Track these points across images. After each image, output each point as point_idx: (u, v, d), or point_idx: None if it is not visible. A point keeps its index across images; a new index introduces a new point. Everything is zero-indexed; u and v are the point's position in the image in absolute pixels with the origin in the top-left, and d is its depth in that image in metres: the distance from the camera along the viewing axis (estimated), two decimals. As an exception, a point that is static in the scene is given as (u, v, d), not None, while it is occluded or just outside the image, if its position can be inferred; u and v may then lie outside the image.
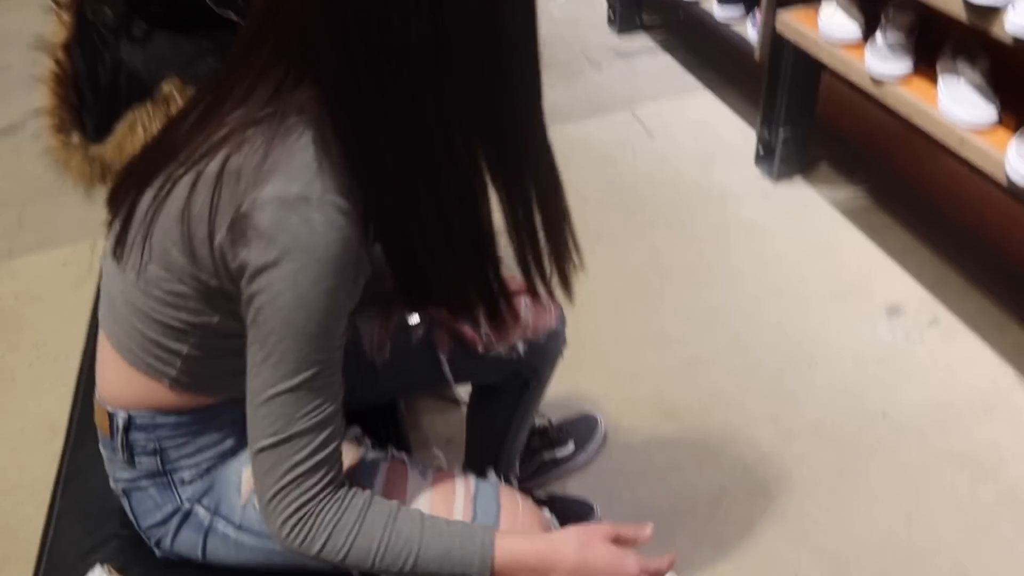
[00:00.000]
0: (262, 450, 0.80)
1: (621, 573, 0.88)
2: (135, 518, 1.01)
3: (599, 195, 2.46)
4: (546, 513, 1.00)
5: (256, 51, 0.78)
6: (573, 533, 0.90)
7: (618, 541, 0.91)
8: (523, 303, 1.21)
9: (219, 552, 0.99)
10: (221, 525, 0.98)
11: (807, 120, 2.38)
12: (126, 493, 1.01)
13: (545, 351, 1.25)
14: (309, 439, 0.79)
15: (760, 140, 2.46)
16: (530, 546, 0.87)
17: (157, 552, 1.02)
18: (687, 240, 2.28)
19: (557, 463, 1.65)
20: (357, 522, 0.82)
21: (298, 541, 0.81)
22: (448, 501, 0.96)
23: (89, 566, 0.99)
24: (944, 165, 2.18)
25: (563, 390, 1.84)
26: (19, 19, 3.33)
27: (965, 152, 1.69)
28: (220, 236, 0.76)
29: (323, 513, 0.81)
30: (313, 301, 0.75)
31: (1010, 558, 1.51)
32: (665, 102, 2.89)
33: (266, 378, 0.78)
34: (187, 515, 0.98)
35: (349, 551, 0.82)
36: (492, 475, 1.01)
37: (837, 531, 1.56)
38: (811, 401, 1.81)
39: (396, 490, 0.96)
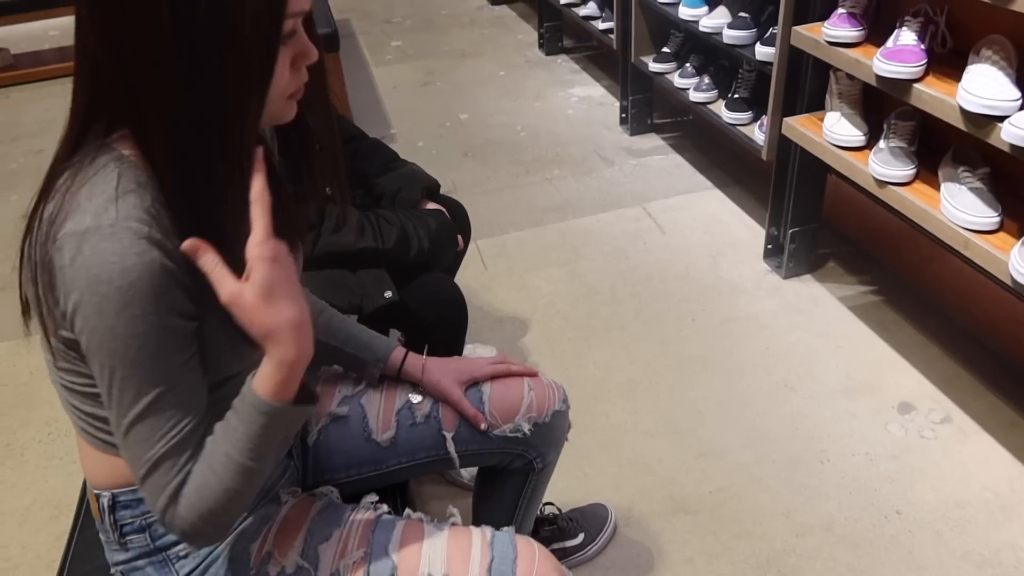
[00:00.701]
0: (141, 480, 0.82)
1: None
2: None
3: (611, 287, 2.51)
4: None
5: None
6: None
7: None
8: (526, 385, 1.23)
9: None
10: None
11: (814, 219, 2.44)
12: (124, 575, 1.01)
13: (550, 432, 1.26)
14: (175, 459, 0.81)
15: (768, 238, 2.52)
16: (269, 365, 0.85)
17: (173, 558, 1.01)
18: (698, 332, 2.31)
19: (567, 554, 1.62)
20: (206, 463, 0.83)
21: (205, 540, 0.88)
22: (465, 549, 0.99)
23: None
24: (950, 264, 2.22)
25: (573, 479, 1.84)
26: (55, 107, 3.48)
27: (969, 253, 1.73)
28: (43, 285, 0.78)
29: (189, 470, 0.83)
30: (125, 330, 0.75)
31: (1034, 666, 1.46)
32: (676, 199, 2.98)
33: (115, 412, 0.80)
34: None
35: (212, 510, 0.83)
36: (508, 528, 1.02)
37: (854, 633, 1.52)
38: (824, 496, 1.79)
39: (413, 539, 1.00)
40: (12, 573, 1.69)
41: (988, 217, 1.70)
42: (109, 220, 0.74)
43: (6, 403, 2.19)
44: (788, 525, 1.73)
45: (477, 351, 2.14)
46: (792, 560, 1.66)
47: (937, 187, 1.86)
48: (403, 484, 1.29)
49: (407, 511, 1.07)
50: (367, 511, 1.06)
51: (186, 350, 0.82)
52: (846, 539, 1.70)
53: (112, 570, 1.02)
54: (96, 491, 0.99)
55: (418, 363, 1.22)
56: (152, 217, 0.77)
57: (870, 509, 1.76)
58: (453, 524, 1.05)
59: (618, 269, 2.60)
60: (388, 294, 1.52)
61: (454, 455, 1.21)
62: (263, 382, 0.82)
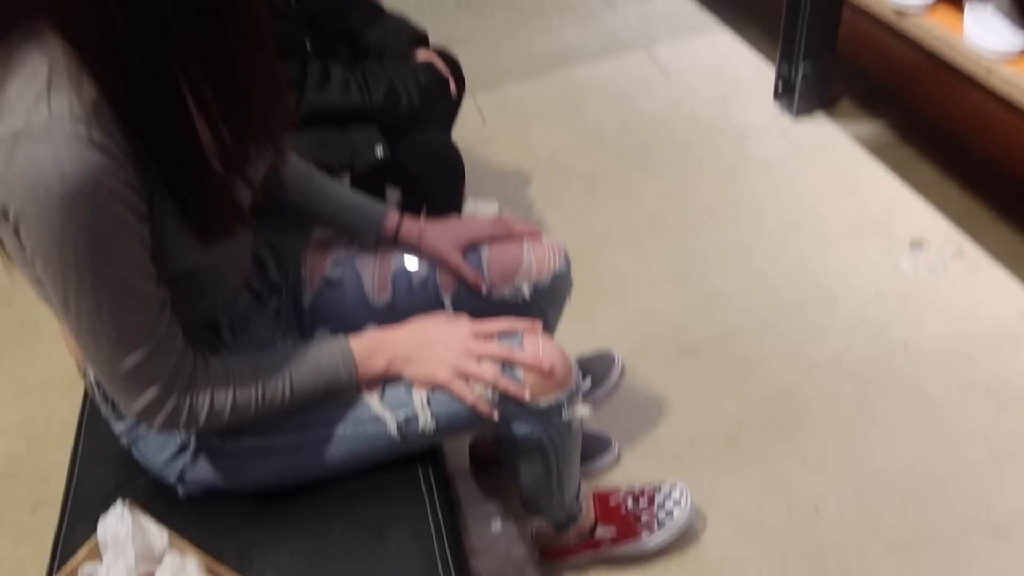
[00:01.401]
0: (110, 377, 0.82)
1: (455, 329, 0.99)
2: (146, 463, 1.03)
3: (615, 135, 2.43)
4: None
5: None
6: (412, 320, 1.03)
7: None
8: (526, 246, 1.20)
9: (246, 470, 1.01)
10: (241, 442, 0.99)
11: (828, 54, 2.32)
12: (132, 443, 1.03)
13: (551, 294, 1.24)
14: (144, 352, 0.80)
15: (779, 76, 2.40)
16: (375, 332, 1.00)
17: (180, 491, 1.04)
18: (705, 178, 2.25)
19: (575, 399, 1.65)
20: (228, 381, 0.88)
21: (184, 426, 0.87)
22: None
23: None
24: (969, 97, 2.12)
25: (580, 329, 1.84)
26: None
27: (992, 82, 1.64)
28: None
29: (193, 394, 0.86)
30: (74, 240, 0.71)
31: (1033, 485, 1.50)
32: (681, 42, 2.83)
33: (75, 322, 0.78)
34: (197, 449, 1.00)
35: (233, 406, 0.89)
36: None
37: (857, 461, 1.55)
38: (831, 335, 1.80)
39: None
40: (40, 442, 1.75)
41: (1014, 38, 1.60)
42: (41, 120, 0.68)
43: (15, 283, 2.20)
44: (794, 363, 1.74)
45: (479, 206, 2.10)
46: (798, 396, 1.68)
47: (958, 13, 1.74)
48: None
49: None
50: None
51: (141, 255, 0.79)
52: (852, 374, 1.71)
53: (119, 439, 1.04)
54: (84, 366, 0.99)
55: (415, 228, 1.18)
56: (90, 113, 0.70)
57: (877, 344, 1.77)
58: None
59: (622, 117, 2.50)
60: (379, 151, 1.46)
61: None
62: (361, 349, 0.96)
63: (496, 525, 1.51)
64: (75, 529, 1.06)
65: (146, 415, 0.84)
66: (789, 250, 2.00)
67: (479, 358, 0.97)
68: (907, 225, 2.04)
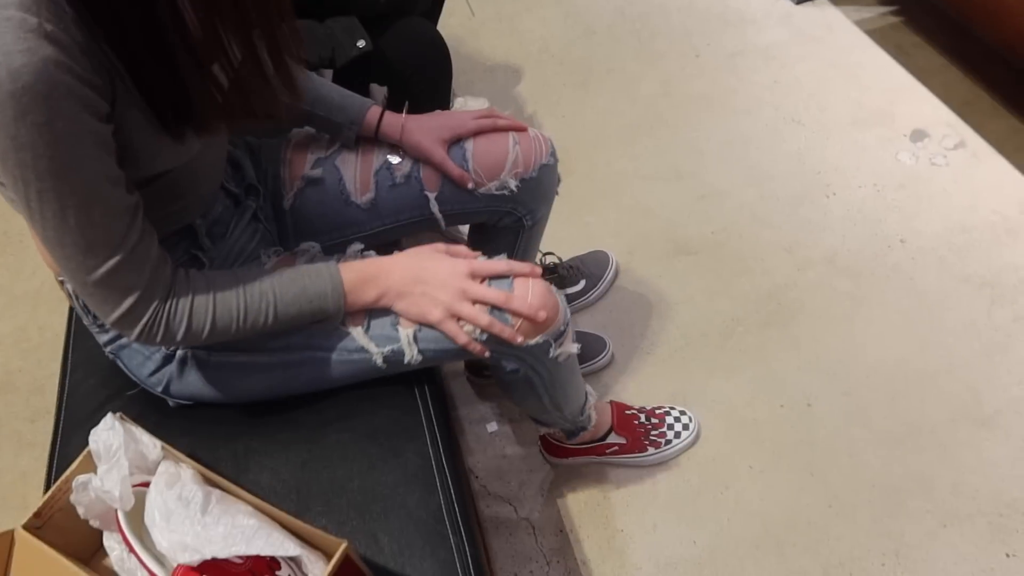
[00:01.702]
0: (82, 286, 0.78)
1: (451, 268, 0.95)
2: (132, 374, 1.02)
3: (608, 25, 2.32)
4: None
5: None
6: (407, 250, 0.99)
7: (452, 254, 0.98)
8: (511, 139, 1.15)
9: (233, 383, 1.00)
10: (228, 356, 0.98)
11: (833, -69, 2.19)
12: (115, 354, 1.01)
13: (538, 187, 1.20)
14: (116, 260, 0.77)
15: (781, -43, 2.28)
16: (368, 261, 0.96)
17: (170, 402, 1.03)
18: (703, 68, 2.17)
19: (569, 300, 1.64)
20: (209, 296, 0.85)
21: (159, 339, 0.84)
22: None
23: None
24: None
25: (573, 228, 1.81)
26: None
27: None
28: None
29: (172, 305, 0.83)
30: (30, 139, 0.67)
31: (1022, 376, 1.51)
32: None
33: (40, 228, 0.74)
34: (184, 359, 0.98)
35: (213, 323, 0.85)
36: (501, 255, 1.02)
37: (849, 357, 1.56)
38: (828, 230, 1.77)
39: None
40: (34, 354, 1.75)
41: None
42: None
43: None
44: (790, 260, 1.73)
45: (468, 104, 2.03)
46: (793, 293, 1.67)
47: None
48: (391, 245, 1.26)
49: (396, 252, 1.04)
50: (356, 258, 1.04)
51: (105, 157, 0.74)
52: (848, 270, 1.70)
53: (104, 350, 1.02)
54: (60, 278, 0.97)
55: (396, 123, 1.13)
56: (41, 1, 0.65)
57: (873, 240, 1.75)
58: None
59: (616, 5, 2.39)
60: (361, 43, 1.39)
61: (439, 215, 1.16)
62: (352, 278, 0.92)
63: (491, 426, 1.53)
64: (70, 440, 1.06)
65: (122, 325, 0.82)
66: (787, 143, 1.95)
67: (473, 300, 0.94)
68: (909, 115, 1.98)
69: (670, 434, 1.43)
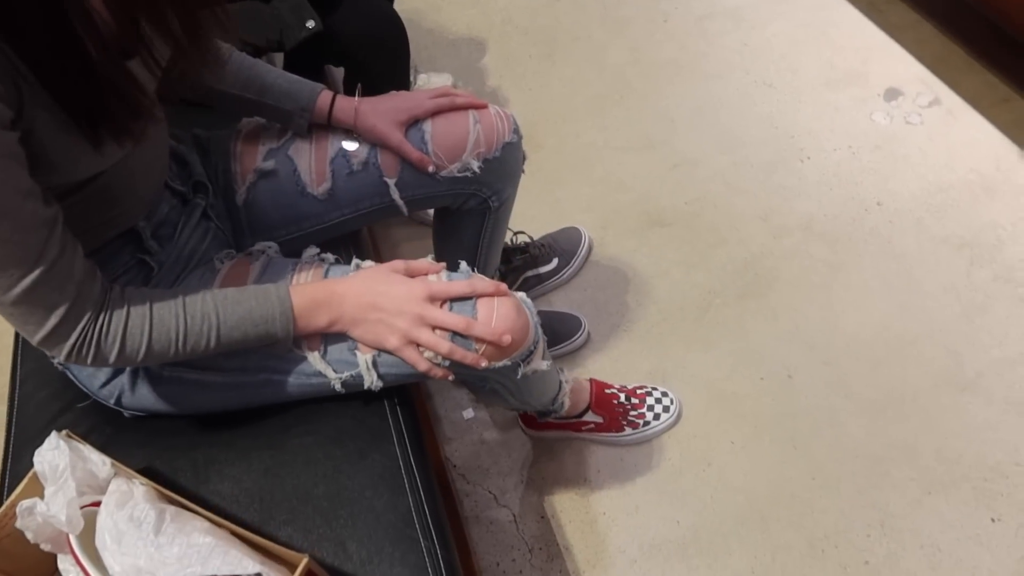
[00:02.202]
0: (1, 308, 0.73)
1: (408, 293, 0.88)
2: (82, 386, 0.97)
3: (573, -8, 2.26)
4: (521, 295, 0.96)
5: None
6: (362, 271, 0.93)
7: (412, 273, 0.92)
8: (471, 118, 1.10)
9: (188, 399, 0.96)
10: (182, 372, 0.93)
11: None
12: (64, 365, 0.97)
13: (502, 167, 1.14)
14: (34, 278, 0.71)
15: (748, -86, 2.22)
16: (321, 285, 0.90)
17: (125, 413, 0.99)
18: (671, 33, 2.11)
19: (541, 279, 1.60)
20: (145, 319, 0.80)
21: (89, 360, 0.78)
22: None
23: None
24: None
25: (544, 205, 1.77)
26: None
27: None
28: None
29: (104, 324, 0.78)
30: None
31: (1003, 338, 1.49)
32: None
33: None
34: (135, 372, 0.93)
35: (148, 347, 0.80)
36: (463, 264, 0.96)
37: (829, 325, 1.54)
38: (803, 196, 1.74)
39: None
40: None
41: None
42: None
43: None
44: (765, 228, 1.69)
45: (432, 80, 1.96)
46: (769, 262, 1.64)
47: None
48: (354, 234, 1.21)
49: (355, 261, 0.99)
50: (313, 264, 0.99)
51: (12, 167, 0.68)
52: (824, 236, 1.67)
53: (53, 361, 0.97)
54: None
55: (349, 107, 1.07)
56: None
57: (850, 204, 1.71)
58: None
59: (581, -29, 2.32)
60: (310, 24, 1.32)
61: (400, 202, 1.11)
62: (303, 303, 0.86)
63: (468, 412, 1.49)
64: (22, 458, 1.01)
65: (48, 345, 0.76)
66: (759, 107, 1.91)
67: (432, 327, 0.88)
68: (882, 74, 1.94)
69: (649, 415, 1.41)
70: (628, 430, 1.40)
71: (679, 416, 1.44)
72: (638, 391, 1.43)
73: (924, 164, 1.76)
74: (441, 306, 0.88)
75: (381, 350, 0.90)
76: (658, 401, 1.42)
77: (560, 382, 1.24)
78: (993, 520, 1.30)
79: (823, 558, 1.28)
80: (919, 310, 1.54)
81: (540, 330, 0.96)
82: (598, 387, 1.39)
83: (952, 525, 1.30)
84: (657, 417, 1.41)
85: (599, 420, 1.38)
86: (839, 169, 1.77)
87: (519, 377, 0.96)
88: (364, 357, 0.91)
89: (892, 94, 1.89)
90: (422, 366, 0.88)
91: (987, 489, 1.33)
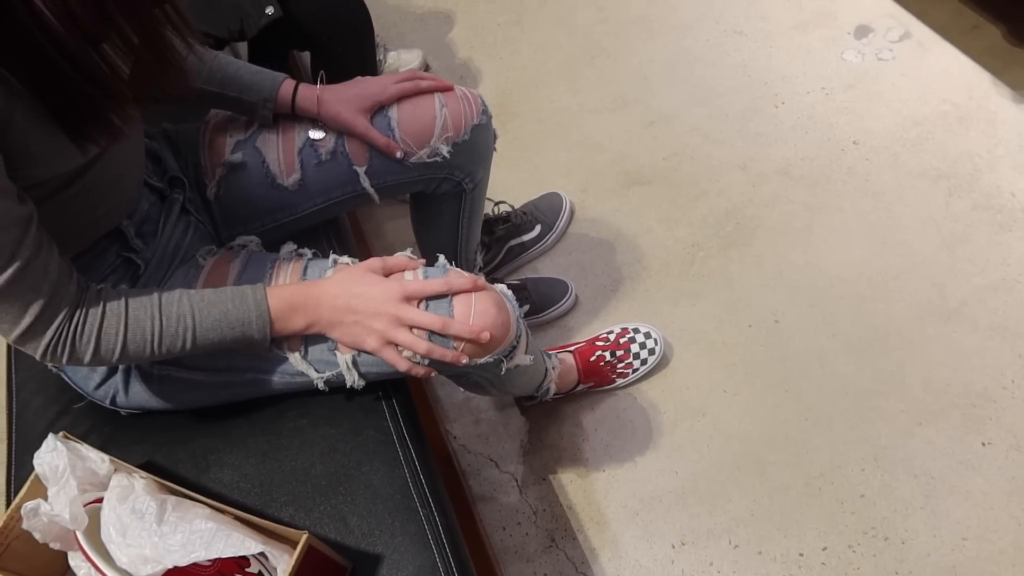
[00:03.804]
0: None
1: (383, 293, 0.88)
2: (78, 387, 0.99)
3: (537, -44, 2.24)
4: (502, 287, 0.97)
5: None
6: (338, 271, 0.93)
7: (388, 271, 0.93)
8: (437, 102, 1.09)
9: (180, 396, 0.97)
10: (171, 371, 0.95)
11: None
12: (59, 368, 0.98)
13: (472, 149, 1.14)
14: (7, 277, 0.72)
15: None
16: (298, 287, 0.90)
17: (122, 412, 1.01)
18: (637, -9, 2.10)
19: (525, 247, 1.61)
20: (120, 319, 0.80)
21: (64, 359, 0.80)
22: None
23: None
24: None
25: (523, 173, 1.77)
26: None
27: None
28: None
29: (78, 324, 0.79)
30: None
31: (985, 265, 1.51)
32: None
33: None
34: (128, 371, 0.95)
35: (123, 347, 0.81)
36: (441, 258, 0.96)
37: (812, 268, 1.55)
38: (779, 141, 1.74)
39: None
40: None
41: None
42: None
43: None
44: (744, 177, 1.70)
45: (402, 58, 1.96)
46: (750, 210, 1.65)
47: None
48: (331, 220, 1.22)
49: (332, 256, 0.99)
50: (291, 260, 1.00)
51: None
52: (803, 179, 1.67)
53: (48, 364, 0.99)
54: None
55: (312, 95, 1.06)
56: None
57: (826, 145, 1.72)
58: None
59: (543, -67, 2.30)
60: (270, 10, 1.32)
61: (371, 191, 1.11)
62: (280, 306, 0.87)
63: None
64: (25, 463, 1.03)
65: (22, 343, 0.77)
66: (731, 57, 1.91)
67: (409, 327, 0.88)
68: (851, 12, 1.93)
69: (636, 363, 1.43)
70: (619, 381, 1.43)
71: (664, 353, 1.46)
72: (621, 340, 1.44)
73: (898, 99, 1.76)
74: (418, 305, 0.88)
75: (361, 351, 0.91)
76: (642, 346, 1.44)
77: (546, 370, 1.25)
78: (983, 444, 1.33)
79: (820, 495, 1.31)
80: (900, 245, 1.55)
81: (523, 324, 0.96)
82: (583, 356, 1.40)
83: (943, 452, 1.33)
84: (644, 362, 1.44)
85: (590, 385, 1.41)
86: (814, 111, 1.77)
87: (502, 373, 0.96)
88: (344, 357, 0.92)
89: (862, 31, 1.89)
90: (402, 366, 0.89)
91: (976, 415, 1.36)
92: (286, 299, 0.88)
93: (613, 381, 1.42)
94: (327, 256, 1.01)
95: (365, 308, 0.88)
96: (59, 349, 0.78)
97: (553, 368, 1.29)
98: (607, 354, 1.42)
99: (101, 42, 0.74)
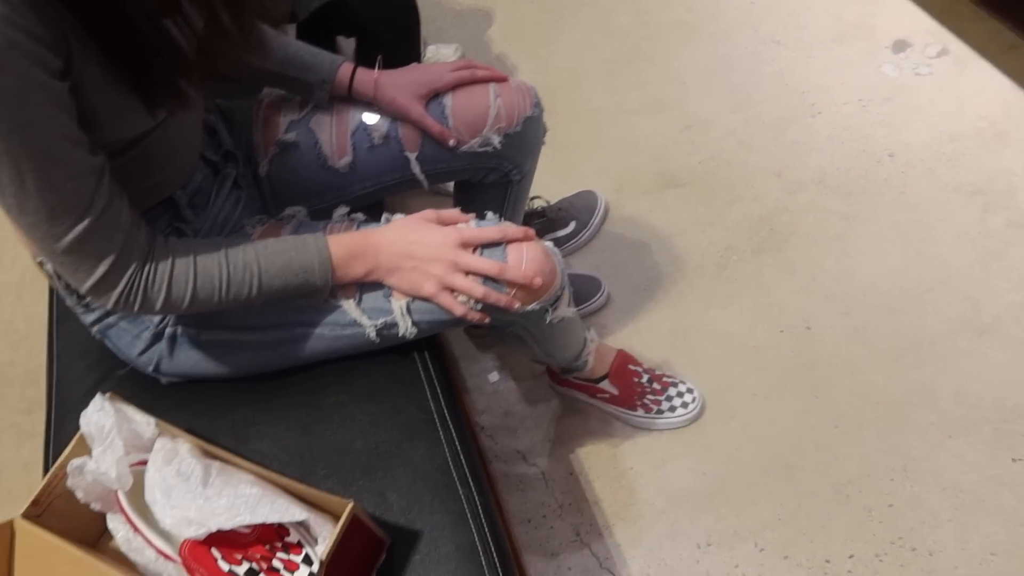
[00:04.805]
0: (52, 255, 0.75)
1: (441, 239, 0.90)
2: (121, 353, 0.99)
3: (577, -41, 2.25)
4: (547, 243, 0.97)
5: None
6: (395, 221, 0.95)
7: (443, 222, 0.94)
8: (491, 91, 1.10)
9: (225, 360, 0.98)
10: (218, 334, 0.96)
11: None
12: (103, 334, 0.99)
13: (523, 141, 1.15)
14: (85, 226, 0.73)
15: None
16: (356, 235, 0.92)
17: (162, 380, 1.01)
18: (676, -3, 2.11)
19: (559, 243, 1.61)
20: (189, 264, 0.82)
21: (136, 307, 0.81)
22: None
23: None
24: None
25: (559, 170, 1.78)
26: None
27: None
28: None
29: (150, 271, 0.80)
30: None
31: (1019, 281, 1.50)
32: None
33: (3, 194, 0.70)
34: (173, 337, 0.96)
35: (194, 293, 0.82)
36: (489, 214, 0.97)
37: (845, 277, 1.55)
38: (815, 150, 1.74)
39: None
40: (23, 344, 1.72)
41: None
42: None
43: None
44: (779, 184, 1.70)
45: (440, 52, 1.97)
46: (784, 217, 1.65)
47: None
48: (375, 204, 1.22)
49: (385, 215, 1.00)
50: (343, 224, 1.01)
51: (61, 116, 0.70)
52: (838, 189, 1.67)
53: (91, 331, 1.00)
54: (38, 259, 0.93)
55: (369, 79, 1.07)
56: None
57: (862, 156, 1.72)
58: None
59: (583, -63, 2.31)
60: (322, -6, 1.34)
61: (421, 176, 1.12)
62: (340, 253, 0.88)
63: (493, 375, 1.52)
64: (64, 426, 1.04)
65: (96, 293, 0.79)
66: (769, 65, 1.91)
67: (466, 272, 0.90)
68: (890, 26, 1.94)
69: (665, 405, 1.39)
70: (640, 411, 1.39)
71: (698, 415, 1.41)
72: (665, 378, 1.41)
73: (934, 114, 1.76)
74: (473, 252, 0.90)
75: (416, 297, 0.92)
76: (680, 395, 1.40)
77: (585, 339, 1.26)
78: (1014, 460, 1.32)
79: (848, 503, 1.30)
80: (934, 258, 1.55)
81: (566, 277, 0.98)
82: (622, 359, 1.38)
83: (974, 467, 1.32)
84: (673, 409, 1.39)
85: (614, 391, 1.38)
86: (850, 122, 1.77)
87: (547, 323, 0.98)
88: (399, 303, 0.93)
89: (900, 46, 1.89)
90: (459, 310, 0.90)
91: (1007, 430, 1.35)
92: (346, 246, 0.90)
93: (635, 407, 1.39)
94: (378, 221, 1.02)
95: (423, 254, 0.89)
96: (132, 297, 0.79)
97: (591, 340, 1.29)
98: (644, 376, 1.39)
99: (181, 11, 0.75)
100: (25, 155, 0.68)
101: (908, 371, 1.42)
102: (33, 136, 0.68)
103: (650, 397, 1.39)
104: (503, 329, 1.05)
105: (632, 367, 1.39)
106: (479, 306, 0.91)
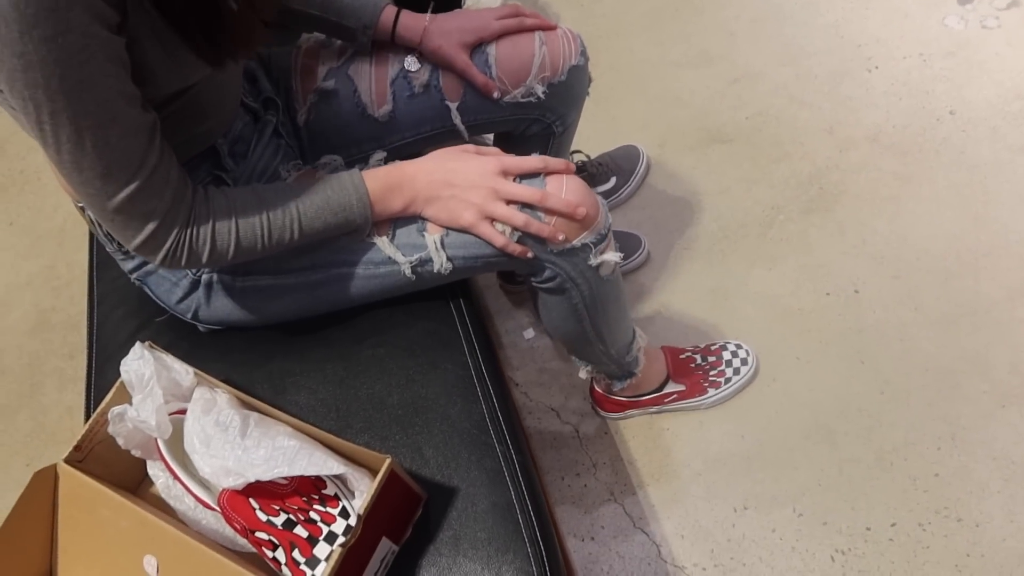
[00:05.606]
0: (102, 213, 0.74)
1: (481, 167, 0.87)
2: (160, 300, 0.99)
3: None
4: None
5: None
6: (433, 152, 0.92)
7: (480, 154, 0.91)
8: (537, 40, 1.06)
9: (263, 307, 0.97)
10: (256, 279, 0.95)
11: None
12: (142, 281, 0.98)
13: (567, 91, 1.11)
14: (136, 185, 0.73)
15: None
16: (392, 167, 0.90)
17: (200, 327, 1.01)
18: (727, -57, 2.02)
19: (600, 199, 1.58)
20: (231, 216, 0.81)
21: (183, 263, 0.80)
22: None
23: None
24: None
25: (600, 123, 1.73)
26: None
27: None
28: None
29: (194, 231, 0.79)
30: (39, 56, 0.62)
31: (1084, 247, 1.44)
32: None
33: (55, 153, 0.69)
34: (210, 285, 0.95)
35: (237, 243, 0.81)
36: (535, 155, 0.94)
37: (897, 239, 1.49)
38: (871, 107, 1.67)
39: None
40: (66, 290, 1.74)
41: None
42: None
43: (7, 130, 2.11)
44: (831, 141, 1.63)
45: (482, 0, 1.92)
46: (835, 176, 1.59)
47: None
48: (414, 156, 1.19)
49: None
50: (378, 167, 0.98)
51: (119, 73, 0.69)
52: (893, 147, 1.60)
53: (130, 277, 0.99)
54: (79, 204, 0.93)
55: (416, 24, 1.04)
56: None
57: (920, 113, 1.64)
58: None
59: None
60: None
61: (461, 127, 1.09)
62: (377, 187, 0.86)
63: (528, 332, 1.50)
64: (105, 372, 1.05)
65: (144, 251, 0.78)
66: (824, 16, 1.83)
67: (506, 200, 0.87)
68: (955, -24, 1.84)
69: (729, 371, 1.35)
70: (711, 391, 1.35)
71: (757, 369, 1.38)
72: (712, 348, 1.37)
73: (1001, 70, 1.67)
74: (512, 181, 0.88)
75: (456, 228, 0.90)
76: (734, 355, 1.36)
77: (634, 331, 1.20)
78: (1070, 432, 1.27)
79: (892, 470, 1.27)
80: (993, 221, 1.48)
81: (610, 218, 0.95)
82: (672, 354, 1.34)
83: (1026, 437, 1.28)
84: (737, 372, 1.35)
85: (681, 388, 1.33)
86: (909, 78, 1.69)
87: (592, 266, 0.94)
88: (432, 237, 0.90)
89: (966, -3, 1.79)
90: (499, 241, 0.88)
91: (1064, 401, 1.30)
92: (382, 179, 0.88)
93: (705, 391, 1.34)
94: None
95: (462, 181, 0.87)
96: (179, 253, 0.79)
97: (640, 336, 1.23)
98: (697, 357, 1.35)
99: None
100: (85, 112, 0.67)
101: (961, 338, 1.37)
102: (93, 93, 0.67)
103: (712, 373, 1.35)
104: (545, 287, 1.00)
105: (683, 356, 1.35)
106: (516, 236, 0.88)
